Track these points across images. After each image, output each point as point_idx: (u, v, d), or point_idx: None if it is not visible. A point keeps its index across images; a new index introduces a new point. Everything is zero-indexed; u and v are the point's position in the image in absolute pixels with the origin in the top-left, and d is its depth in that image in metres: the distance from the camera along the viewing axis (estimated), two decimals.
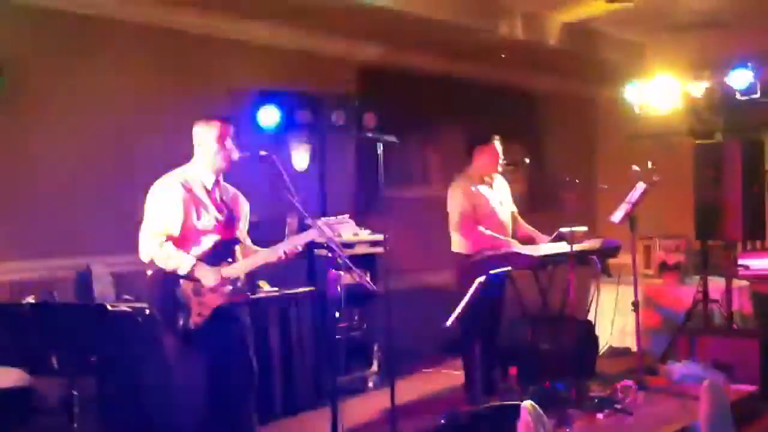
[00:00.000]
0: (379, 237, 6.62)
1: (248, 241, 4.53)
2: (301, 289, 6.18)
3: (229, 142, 4.31)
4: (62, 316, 4.62)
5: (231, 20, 6.61)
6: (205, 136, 4.32)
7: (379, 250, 6.51)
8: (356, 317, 6.65)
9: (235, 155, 4.33)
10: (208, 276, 4.17)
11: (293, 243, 4.34)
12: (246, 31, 6.79)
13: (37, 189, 5.65)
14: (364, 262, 6.50)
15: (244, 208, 4.53)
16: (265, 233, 4.68)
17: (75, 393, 3.86)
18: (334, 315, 5.06)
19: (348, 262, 4.59)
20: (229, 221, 4.37)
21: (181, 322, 4.13)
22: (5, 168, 5.53)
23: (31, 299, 5.16)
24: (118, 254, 5.30)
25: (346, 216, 4.44)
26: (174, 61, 6.35)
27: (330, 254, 4.73)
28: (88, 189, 5.82)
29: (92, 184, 5.84)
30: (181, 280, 4.15)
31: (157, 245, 4.14)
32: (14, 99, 5.51)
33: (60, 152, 5.75)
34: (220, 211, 4.34)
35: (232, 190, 4.50)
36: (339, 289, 4.80)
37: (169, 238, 4.18)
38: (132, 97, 6.05)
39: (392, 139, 5.27)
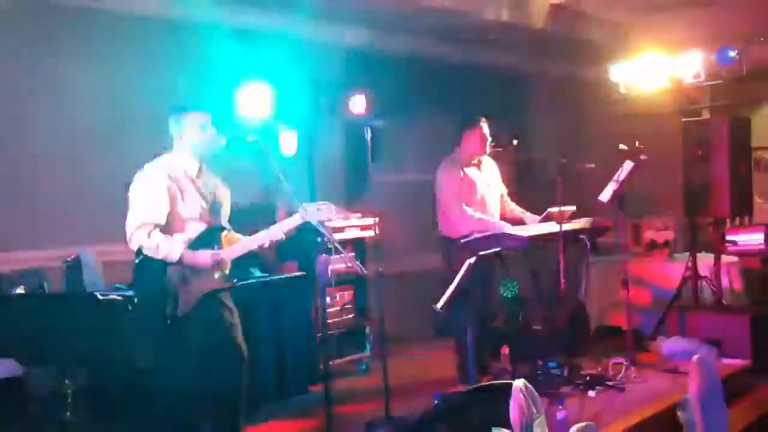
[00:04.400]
0: (369, 221, 6.63)
1: (230, 229, 4.54)
2: (292, 274, 6.19)
3: (208, 129, 4.31)
4: (53, 306, 4.62)
5: (216, 7, 6.58)
6: (183, 125, 4.33)
7: (369, 233, 6.51)
8: (348, 301, 6.66)
9: (222, 141, 4.34)
10: (198, 261, 4.18)
11: (277, 230, 4.35)
12: (232, 17, 6.77)
13: (24, 180, 5.64)
14: (355, 245, 6.52)
15: (226, 194, 4.54)
16: (253, 219, 4.69)
17: (67, 382, 3.86)
18: (326, 299, 5.07)
19: (338, 246, 4.61)
20: (214, 209, 4.38)
21: (169, 310, 4.14)
22: None
23: (20, 290, 5.16)
24: (108, 243, 5.29)
25: (328, 203, 4.45)
26: (160, 49, 6.32)
27: (320, 239, 4.74)
28: (76, 178, 5.81)
29: (80, 173, 5.82)
30: (168, 268, 4.15)
31: (145, 235, 4.15)
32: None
33: (45, 141, 5.73)
34: (204, 198, 4.34)
35: (214, 177, 4.51)
36: (330, 273, 4.80)
37: (157, 227, 4.19)
38: (118, 85, 6.03)
39: (380, 122, 5.28)
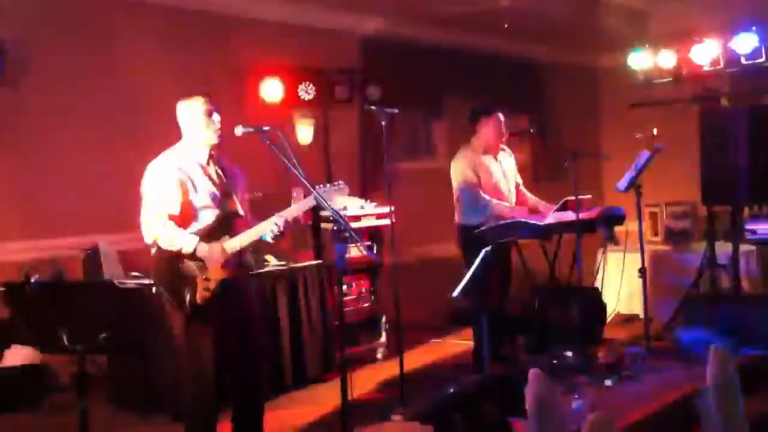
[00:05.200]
0: (385, 209, 6.63)
1: (248, 214, 4.56)
2: (308, 263, 6.21)
3: (215, 116, 4.31)
4: (71, 294, 4.65)
5: None
6: (190, 113, 4.32)
7: (385, 222, 6.51)
8: (364, 289, 6.68)
9: (236, 129, 4.33)
10: (212, 255, 4.20)
11: (288, 214, 4.36)
12: (249, 6, 6.77)
13: (42, 169, 5.67)
14: (371, 234, 6.53)
15: (240, 180, 4.54)
16: (270, 207, 4.69)
17: (86, 370, 3.90)
18: (342, 287, 5.07)
19: (354, 234, 4.61)
20: (227, 195, 4.39)
21: (188, 298, 4.16)
22: (9, 148, 5.55)
23: (39, 278, 5.21)
24: (125, 232, 5.33)
25: (341, 182, 4.46)
26: (177, 39, 6.34)
27: (336, 227, 4.74)
28: (94, 167, 5.84)
29: (98, 162, 5.86)
30: (186, 258, 4.18)
31: (160, 227, 4.17)
32: (16, 79, 5.51)
33: (65, 131, 5.77)
34: (216, 185, 4.35)
35: (227, 163, 4.51)
36: (346, 261, 4.80)
37: (171, 218, 4.21)
38: (135, 76, 6.05)
39: (395, 111, 5.26)
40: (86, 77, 5.87)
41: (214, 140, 4.34)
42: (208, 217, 4.28)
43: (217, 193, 4.33)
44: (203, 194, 4.28)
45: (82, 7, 5.90)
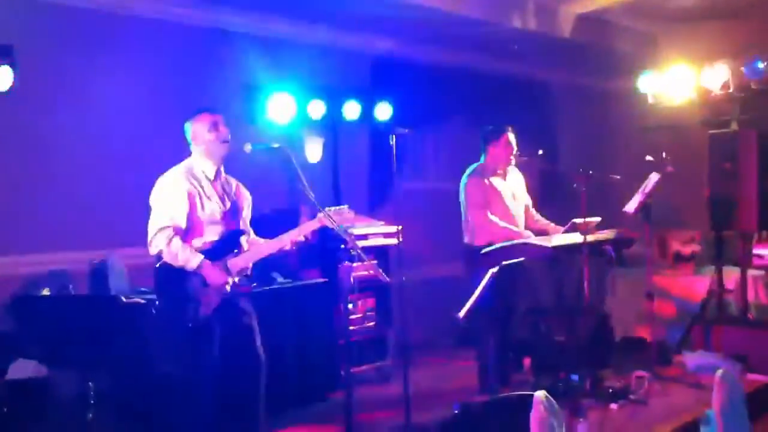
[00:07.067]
0: (393, 228, 6.62)
1: (251, 232, 4.57)
2: (314, 281, 6.20)
3: (222, 128, 4.34)
4: (77, 309, 4.66)
5: (244, 15, 6.63)
6: (197, 129, 4.38)
7: (393, 241, 6.51)
8: (370, 308, 6.66)
9: (246, 146, 4.36)
10: (215, 275, 4.20)
11: (295, 234, 4.38)
12: (259, 25, 6.81)
13: (51, 182, 5.69)
14: (378, 253, 6.51)
15: (247, 198, 4.57)
16: (279, 224, 4.71)
17: (90, 384, 3.90)
18: (348, 306, 5.07)
19: (361, 253, 4.61)
20: (233, 211, 4.41)
21: (191, 313, 4.17)
22: (18, 161, 5.57)
23: (46, 292, 5.21)
24: (133, 246, 5.34)
25: (345, 207, 4.48)
26: (188, 56, 6.37)
27: (343, 246, 4.75)
28: (102, 181, 5.85)
29: (106, 176, 5.87)
30: (188, 273, 4.18)
31: (165, 240, 4.19)
32: (27, 90, 5.53)
33: (73, 145, 5.79)
34: (223, 201, 4.37)
35: (234, 181, 4.54)
36: (352, 280, 4.81)
37: (177, 230, 4.22)
38: (145, 91, 6.09)
39: (404, 130, 5.28)
40: (95, 90, 5.90)
41: (224, 151, 4.37)
42: (212, 232, 4.29)
43: (224, 210, 4.36)
44: (210, 209, 4.31)
45: (95, 22, 5.93)
